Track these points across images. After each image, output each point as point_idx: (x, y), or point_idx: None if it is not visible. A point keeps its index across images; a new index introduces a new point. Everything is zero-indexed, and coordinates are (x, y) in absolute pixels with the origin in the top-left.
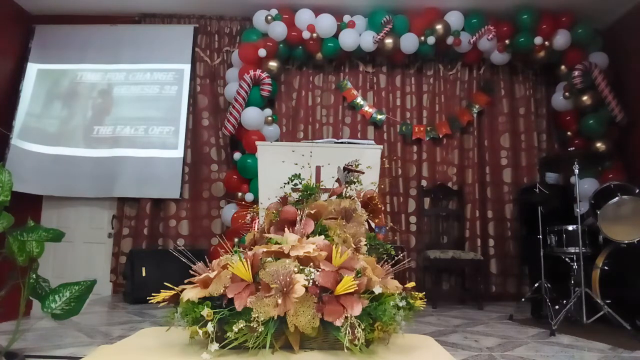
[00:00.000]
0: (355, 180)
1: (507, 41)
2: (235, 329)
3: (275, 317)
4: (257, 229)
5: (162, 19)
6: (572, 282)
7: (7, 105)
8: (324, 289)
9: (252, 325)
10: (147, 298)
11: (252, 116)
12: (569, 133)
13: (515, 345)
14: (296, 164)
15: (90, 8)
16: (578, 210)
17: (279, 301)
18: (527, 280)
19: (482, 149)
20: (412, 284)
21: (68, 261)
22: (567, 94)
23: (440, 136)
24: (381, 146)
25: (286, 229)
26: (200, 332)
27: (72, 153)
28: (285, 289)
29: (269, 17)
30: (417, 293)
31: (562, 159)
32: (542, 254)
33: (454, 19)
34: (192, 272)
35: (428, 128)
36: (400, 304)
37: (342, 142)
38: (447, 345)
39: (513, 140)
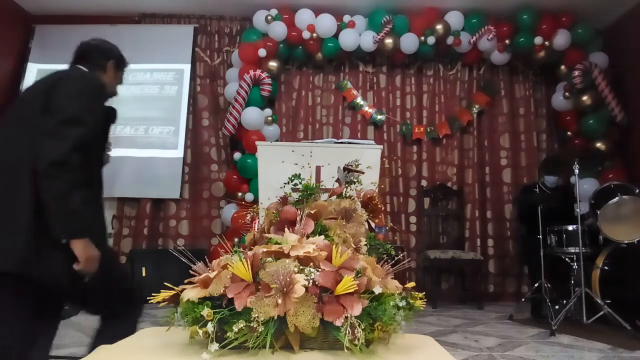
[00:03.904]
0: (355, 180)
1: (507, 41)
2: (235, 329)
3: (275, 317)
4: (257, 229)
5: (162, 19)
6: (572, 282)
7: (7, 106)
8: (324, 289)
9: (252, 325)
10: (147, 298)
11: (252, 116)
12: (569, 133)
13: (515, 345)
14: (296, 164)
15: (90, 8)
16: (578, 210)
17: (279, 301)
18: (527, 280)
19: (482, 149)
20: (412, 284)
21: None
22: (567, 94)
23: (440, 136)
24: (381, 146)
25: (286, 229)
26: (200, 332)
27: None
28: (285, 289)
29: (269, 17)
30: (417, 293)
31: (563, 159)
32: (542, 254)
33: (454, 19)
34: (192, 272)
35: (428, 128)
36: (400, 304)
37: (342, 142)
38: (447, 345)
39: (513, 140)
